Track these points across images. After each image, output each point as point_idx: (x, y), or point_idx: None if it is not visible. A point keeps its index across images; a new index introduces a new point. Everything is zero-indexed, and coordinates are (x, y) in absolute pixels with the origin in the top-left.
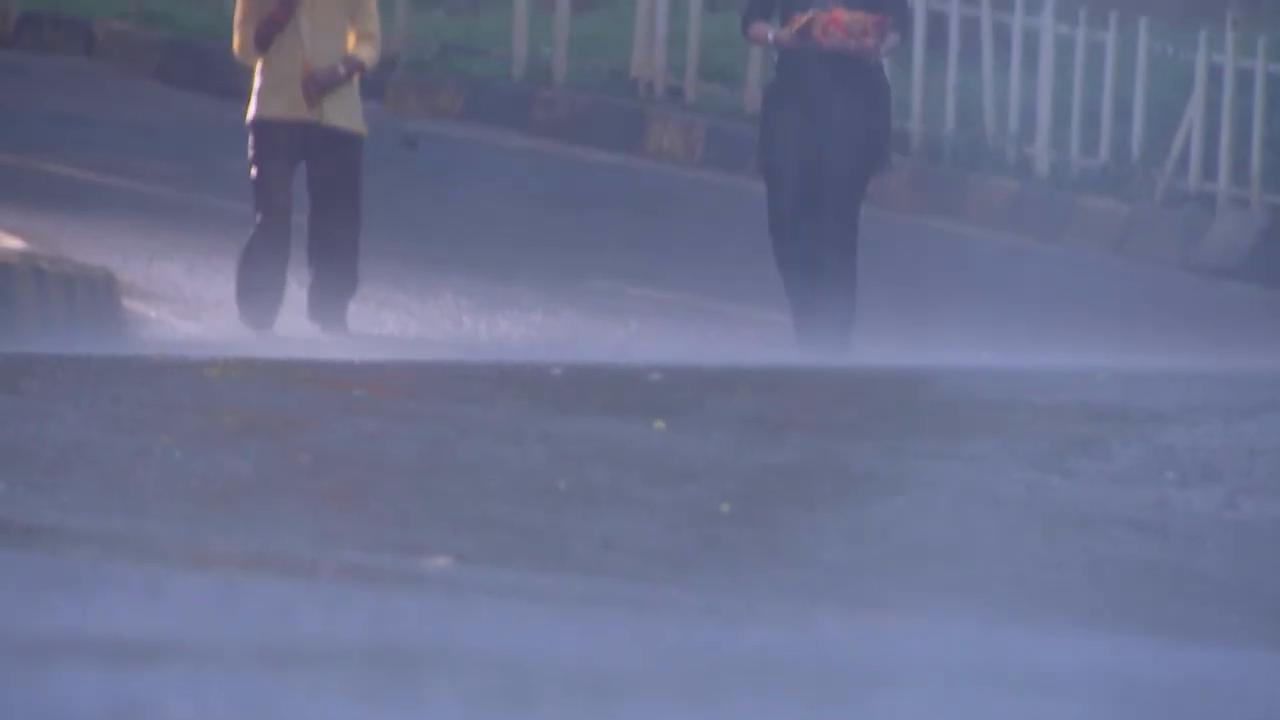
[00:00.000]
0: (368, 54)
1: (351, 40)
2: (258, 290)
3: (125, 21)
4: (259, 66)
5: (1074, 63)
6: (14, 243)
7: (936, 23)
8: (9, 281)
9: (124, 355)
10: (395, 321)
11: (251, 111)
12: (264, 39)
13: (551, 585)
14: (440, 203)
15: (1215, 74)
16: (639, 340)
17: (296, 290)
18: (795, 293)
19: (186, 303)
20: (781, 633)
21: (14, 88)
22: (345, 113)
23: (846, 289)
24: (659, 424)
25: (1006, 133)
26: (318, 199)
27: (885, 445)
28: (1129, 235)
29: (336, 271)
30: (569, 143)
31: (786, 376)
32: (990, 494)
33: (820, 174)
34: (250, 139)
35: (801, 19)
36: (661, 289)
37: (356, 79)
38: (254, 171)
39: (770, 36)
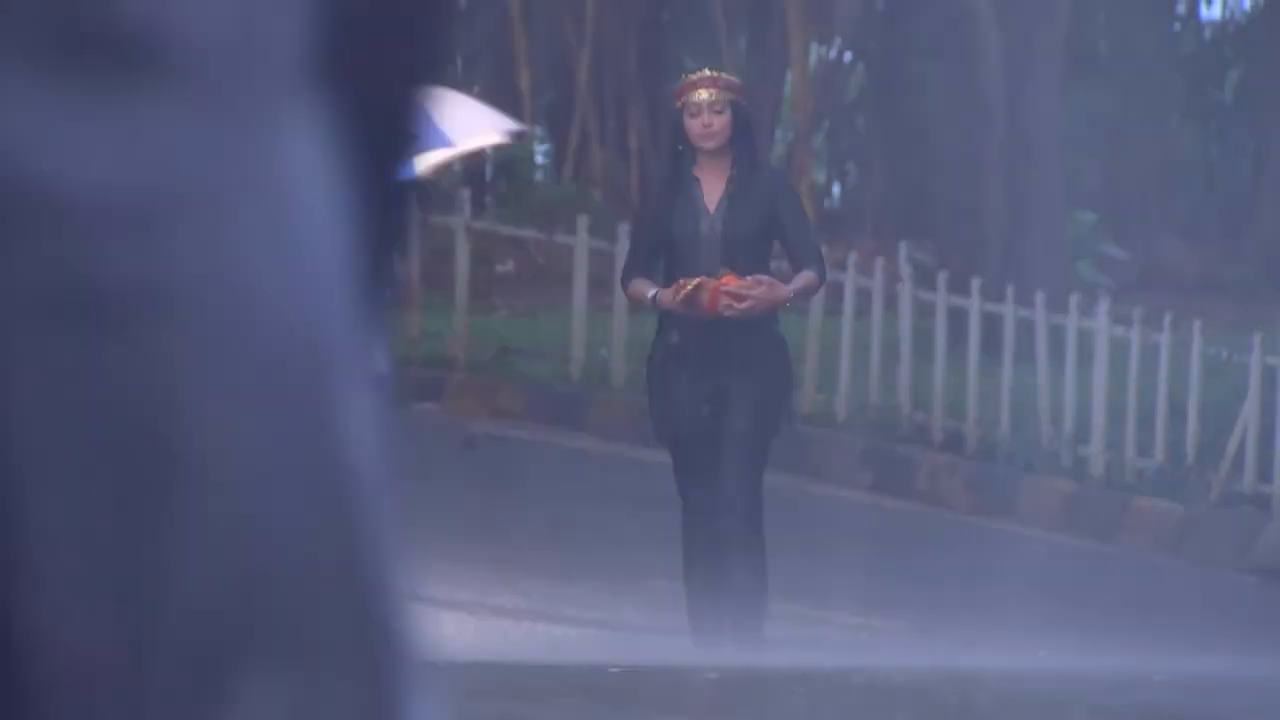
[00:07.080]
0: None
1: None
2: None
3: None
4: None
5: (1129, 364)
6: None
7: (991, 324)
8: None
9: None
10: (454, 622)
11: None
12: None
13: None
14: (499, 504)
15: (1270, 376)
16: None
17: None
18: (696, 577)
19: None
20: None
21: None
22: None
23: (757, 566)
24: None
25: (1061, 434)
26: None
27: None
28: (1184, 537)
29: None
30: (629, 443)
31: (844, 677)
32: None
33: (718, 441)
34: None
35: (687, 284)
36: None
37: None
38: None
39: (650, 295)
